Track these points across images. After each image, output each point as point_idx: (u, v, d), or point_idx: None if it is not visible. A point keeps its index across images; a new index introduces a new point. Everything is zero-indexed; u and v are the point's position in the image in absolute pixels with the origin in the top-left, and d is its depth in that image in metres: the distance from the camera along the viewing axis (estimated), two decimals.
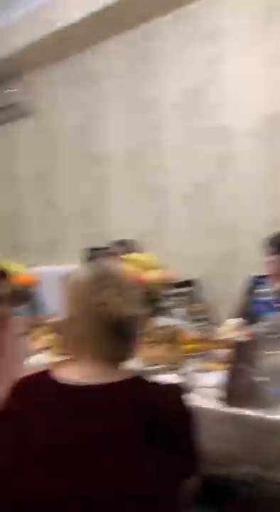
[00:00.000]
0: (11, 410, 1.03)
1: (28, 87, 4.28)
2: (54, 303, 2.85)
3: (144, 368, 1.53)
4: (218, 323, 2.13)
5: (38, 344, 2.15)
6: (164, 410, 0.97)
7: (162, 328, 1.77)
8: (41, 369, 1.06)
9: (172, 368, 1.54)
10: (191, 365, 1.56)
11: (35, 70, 4.26)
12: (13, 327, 1.52)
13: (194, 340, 1.81)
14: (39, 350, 2.08)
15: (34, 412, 0.98)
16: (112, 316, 0.99)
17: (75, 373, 0.98)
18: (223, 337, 1.85)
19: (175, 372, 1.52)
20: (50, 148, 4.29)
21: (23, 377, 1.07)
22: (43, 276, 3.21)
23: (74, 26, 3.56)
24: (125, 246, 3.32)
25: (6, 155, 4.64)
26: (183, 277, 2.72)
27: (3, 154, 4.65)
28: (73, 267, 3.26)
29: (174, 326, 1.84)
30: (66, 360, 1.07)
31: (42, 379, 1.01)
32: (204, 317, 2.17)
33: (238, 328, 1.94)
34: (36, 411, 0.98)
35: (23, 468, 0.93)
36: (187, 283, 2.58)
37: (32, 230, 4.54)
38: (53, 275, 3.09)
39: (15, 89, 4.22)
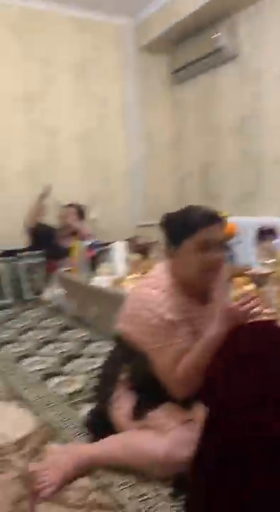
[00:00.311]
0: (234, 354, 1.06)
1: (232, 31, 4.11)
2: (249, 254, 2.81)
3: None
4: None
5: (237, 292, 2.16)
6: None
7: None
8: (263, 318, 1.06)
9: None
10: None
11: (239, 12, 4.05)
12: (223, 273, 1.55)
13: None
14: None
15: (257, 358, 0.98)
16: None
17: None
18: None
19: None
20: (253, 94, 4.09)
21: (246, 324, 1.08)
22: (239, 226, 3.17)
23: None
24: None
25: (206, 103, 4.62)
26: None
27: (203, 102, 4.65)
28: (270, 219, 3.12)
29: None
30: None
31: (267, 328, 1.00)
32: None
33: None
34: (258, 358, 0.98)
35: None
36: None
37: (227, 179, 4.50)
38: (249, 226, 3.04)
39: (220, 34, 4.10)
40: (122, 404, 1.48)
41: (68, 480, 1.37)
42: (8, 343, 2.84)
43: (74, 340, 2.81)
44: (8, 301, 3.81)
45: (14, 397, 2.06)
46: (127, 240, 3.23)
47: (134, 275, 2.82)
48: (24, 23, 4.11)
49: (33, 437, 1.68)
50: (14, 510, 1.28)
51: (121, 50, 4.68)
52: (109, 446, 1.42)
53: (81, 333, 2.93)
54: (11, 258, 3.92)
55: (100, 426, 1.55)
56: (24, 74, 4.14)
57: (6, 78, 4.05)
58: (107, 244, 3.76)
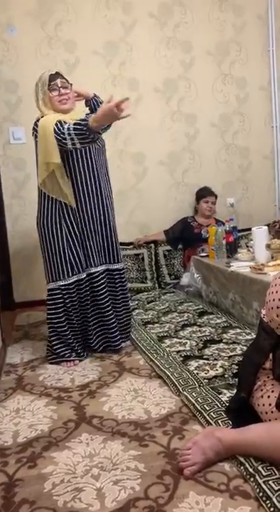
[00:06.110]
0: None
1: None
2: None
3: None
4: None
5: None
6: None
7: None
8: None
9: None
10: None
11: None
12: None
13: None
14: None
15: None
16: None
17: None
18: None
19: None
20: None
21: None
22: None
23: None
24: None
25: None
26: None
27: None
28: None
29: None
30: None
31: None
32: None
33: None
34: None
35: None
36: None
37: None
38: None
39: None
40: (267, 393, 1.43)
41: (210, 462, 1.37)
42: (149, 323, 2.96)
43: (213, 325, 2.79)
44: (149, 284, 3.96)
45: (156, 375, 2.14)
46: (268, 225, 3.08)
47: (277, 261, 2.69)
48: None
49: (175, 416, 1.73)
50: (158, 482, 1.33)
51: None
52: (252, 434, 1.37)
53: (218, 319, 2.90)
54: (151, 244, 4.07)
55: (242, 414, 1.52)
56: (164, 61, 4.17)
57: (147, 67, 4.11)
58: (247, 229, 3.65)
